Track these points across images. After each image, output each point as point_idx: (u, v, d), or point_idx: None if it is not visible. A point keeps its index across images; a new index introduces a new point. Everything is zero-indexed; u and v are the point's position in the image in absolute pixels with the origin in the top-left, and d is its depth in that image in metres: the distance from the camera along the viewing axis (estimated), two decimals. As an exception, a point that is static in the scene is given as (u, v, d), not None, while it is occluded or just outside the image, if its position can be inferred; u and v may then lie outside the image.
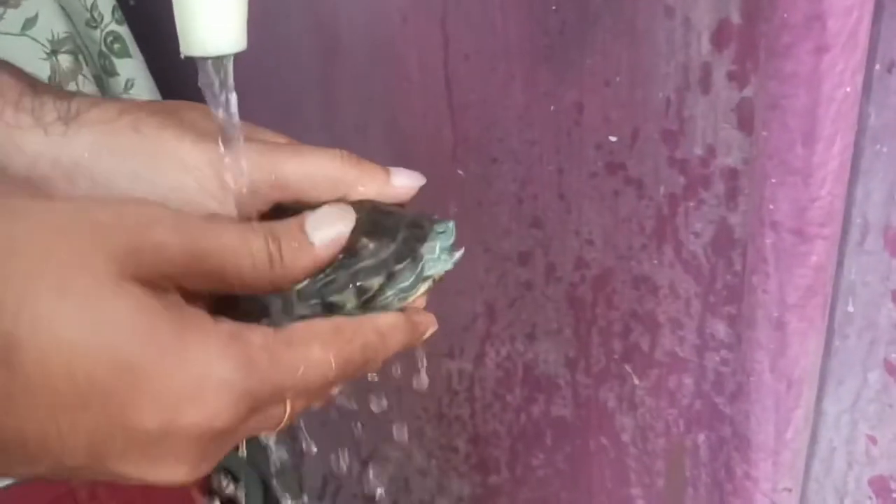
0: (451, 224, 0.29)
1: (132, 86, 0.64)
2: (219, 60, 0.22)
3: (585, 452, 0.50)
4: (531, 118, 0.44)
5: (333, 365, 0.23)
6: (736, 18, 0.33)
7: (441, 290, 0.31)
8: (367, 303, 0.27)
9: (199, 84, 0.23)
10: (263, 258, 0.23)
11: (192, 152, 0.26)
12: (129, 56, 0.62)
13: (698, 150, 0.37)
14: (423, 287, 0.28)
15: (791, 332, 0.32)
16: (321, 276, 0.26)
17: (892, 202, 0.32)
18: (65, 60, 0.58)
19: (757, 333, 0.34)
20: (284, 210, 0.28)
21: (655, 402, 0.44)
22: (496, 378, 0.55)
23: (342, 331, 0.24)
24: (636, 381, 0.45)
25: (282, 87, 0.61)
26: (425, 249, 0.28)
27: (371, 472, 0.71)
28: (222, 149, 0.25)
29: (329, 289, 0.26)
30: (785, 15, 0.28)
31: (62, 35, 0.57)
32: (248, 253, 0.23)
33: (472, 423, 0.59)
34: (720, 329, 0.39)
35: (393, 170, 0.30)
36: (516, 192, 0.47)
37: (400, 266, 0.27)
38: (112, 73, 0.63)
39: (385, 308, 0.27)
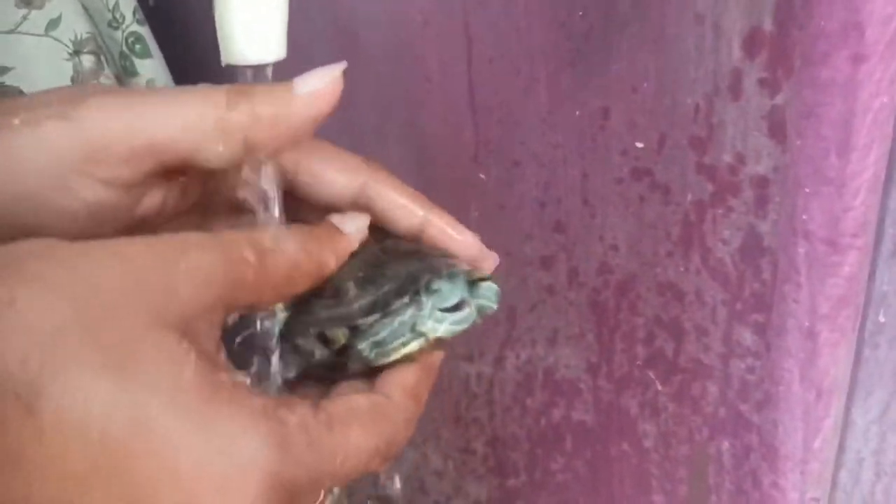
0: (458, 283, 0.26)
1: (153, 86, 0.64)
2: (259, 69, 0.22)
3: (606, 458, 0.50)
4: (555, 122, 0.44)
5: (376, 449, 0.22)
6: (768, 26, 0.33)
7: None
8: (340, 353, 0.26)
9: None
10: (300, 251, 0.23)
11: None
12: (150, 56, 0.63)
13: (727, 157, 0.36)
14: (414, 344, 0.26)
15: (822, 341, 0.32)
16: (299, 314, 0.25)
17: (926, 212, 0.31)
18: (87, 61, 0.58)
19: (787, 342, 0.34)
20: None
21: (679, 408, 0.44)
22: (516, 382, 0.55)
23: (381, 409, 0.23)
24: (659, 388, 0.45)
25: (302, 89, 0.61)
26: (408, 307, 0.26)
27: (386, 473, 0.71)
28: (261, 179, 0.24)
29: (296, 329, 0.25)
30: (822, 23, 0.28)
31: (85, 36, 0.57)
32: (283, 248, 0.22)
33: (490, 425, 0.59)
34: (747, 337, 0.39)
35: (297, 79, 0.25)
36: (539, 196, 0.47)
37: (364, 320, 0.25)
38: (133, 73, 0.63)
39: (366, 361, 0.26)
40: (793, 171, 0.31)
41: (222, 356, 0.21)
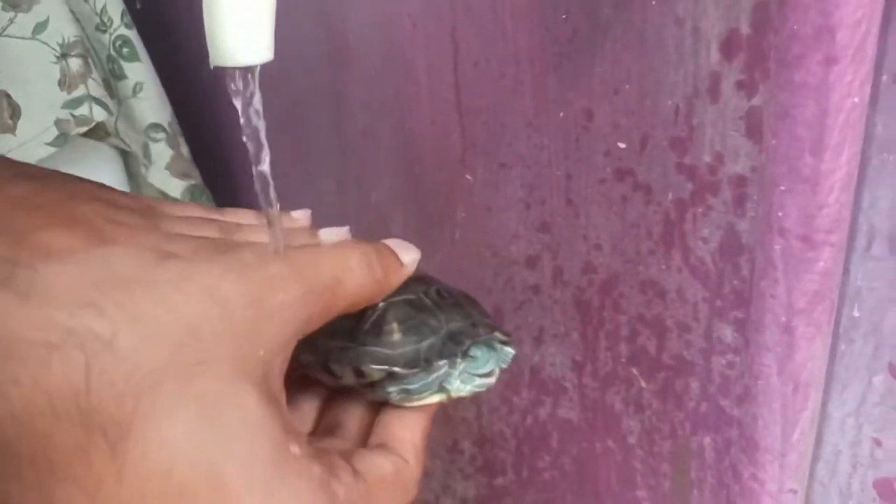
0: (494, 354, 0.28)
1: (140, 89, 0.64)
2: (247, 71, 0.23)
3: (592, 455, 0.51)
4: (540, 124, 0.45)
5: None
6: (745, 29, 0.34)
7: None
8: (368, 386, 0.27)
9: (230, 92, 0.24)
10: (367, 273, 0.24)
11: None
12: (138, 60, 0.63)
13: (707, 157, 0.37)
14: (435, 397, 0.27)
15: (799, 336, 0.33)
16: (338, 340, 0.26)
17: (897, 210, 0.32)
18: (75, 64, 0.58)
19: (765, 337, 0.34)
20: None
21: (662, 404, 0.45)
22: (503, 380, 0.55)
23: (401, 473, 0.24)
24: (643, 384, 0.46)
25: (291, 92, 0.61)
26: (444, 366, 0.27)
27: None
28: (254, 169, 0.25)
29: (334, 356, 0.26)
30: (795, 27, 0.29)
31: (72, 39, 0.58)
32: (356, 269, 0.24)
33: (477, 424, 0.59)
34: (727, 333, 0.40)
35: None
36: (524, 196, 0.48)
37: (406, 371, 0.26)
38: (121, 76, 0.63)
39: (385, 399, 0.27)
40: (769, 170, 0.32)
41: (284, 398, 0.22)
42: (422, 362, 0.26)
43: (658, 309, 0.43)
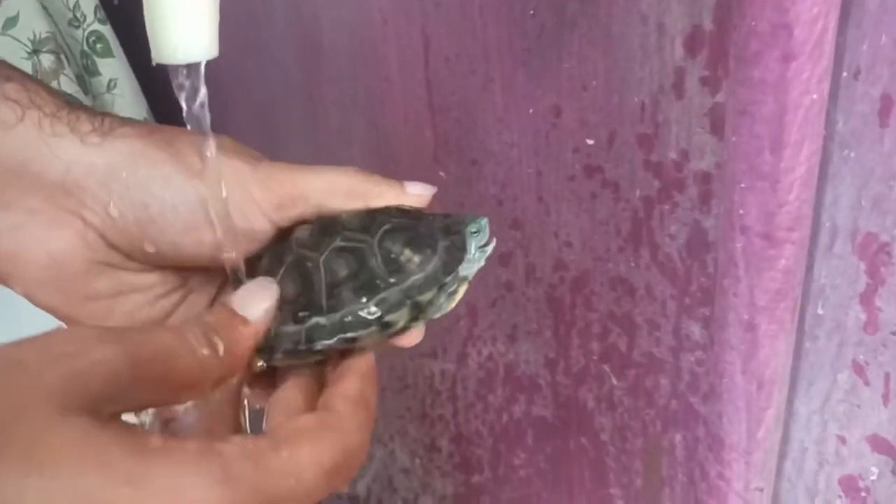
0: (484, 221, 0.30)
1: (115, 86, 0.64)
2: (191, 68, 0.23)
3: (566, 452, 0.51)
4: (510, 121, 0.45)
5: (333, 462, 0.22)
6: (708, 25, 0.33)
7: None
8: (418, 315, 0.28)
9: (174, 87, 0.24)
10: (206, 349, 0.22)
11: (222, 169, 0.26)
12: (112, 56, 0.62)
13: (672, 154, 0.37)
14: (463, 289, 0.29)
15: (761, 334, 0.33)
16: (369, 296, 0.26)
17: (859, 207, 0.32)
18: (47, 60, 0.58)
19: (728, 335, 0.34)
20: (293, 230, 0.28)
21: (633, 401, 0.45)
22: (478, 378, 0.55)
23: (329, 421, 0.23)
24: (614, 382, 0.45)
25: (264, 89, 0.61)
26: (466, 253, 0.28)
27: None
28: (202, 156, 0.25)
29: (384, 308, 0.27)
30: (753, 23, 0.28)
31: (44, 35, 0.57)
32: (189, 348, 0.22)
33: (454, 422, 0.59)
34: (695, 330, 0.40)
35: (407, 182, 0.30)
36: (496, 193, 0.48)
37: (449, 277, 0.28)
38: (94, 72, 0.63)
39: (434, 312, 0.28)
40: (730, 167, 0.32)
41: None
42: (453, 263, 0.28)
43: (628, 306, 0.43)
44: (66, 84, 0.59)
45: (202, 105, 0.23)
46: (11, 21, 0.55)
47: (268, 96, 0.61)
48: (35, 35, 0.56)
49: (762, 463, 0.36)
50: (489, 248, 0.29)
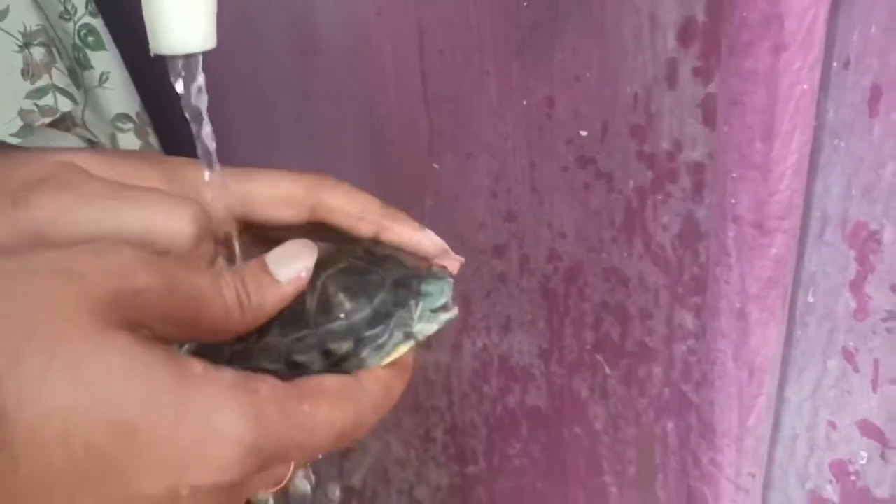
0: (444, 284, 0.27)
1: (107, 79, 0.64)
2: (188, 59, 0.23)
3: (560, 441, 0.51)
4: (504, 112, 0.45)
5: (342, 427, 0.23)
6: (700, 16, 0.34)
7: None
8: (336, 364, 0.26)
9: (171, 76, 0.24)
10: (233, 301, 0.23)
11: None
12: (104, 49, 0.62)
13: (665, 145, 0.37)
14: (404, 347, 0.27)
15: (753, 321, 0.33)
16: (291, 333, 0.26)
17: (849, 195, 0.33)
18: (38, 53, 0.57)
19: (720, 323, 0.35)
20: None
21: (626, 391, 0.45)
22: (472, 369, 0.56)
23: (350, 390, 0.23)
24: (608, 371, 0.46)
25: (258, 83, 0.61)
26: (405, 312, 0.27)
27: (350, 463, 0.71)
28: (199, 149, 0.25)
29: (296, 348, 0.26)
30: (744, 14, 0.29)
31: (34, 27, 0.57)
32: (220, 295, 0.22)
33: (449, 413, 0.60)
34: (687, 319, 0.40)
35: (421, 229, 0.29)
36: (490, 185, 0.48)
37: (371, 332, 0.26)
38: (86, 66, 0.62)
39: (362, 364, 0.26)
40: (721, 157, 0.32)
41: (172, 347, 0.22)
42: (382, 318, 0.26)
43: (621, 296, 0.43)
44: (58, 77, 0.59)
45: (199, 90, 0.23)
46: (2, 14, 0.54)
47: (261, 90, 0.61)
48: (26, 28, 0.56)
49: (754, 449, 0.37)
50: (445, 317, 0.27)
